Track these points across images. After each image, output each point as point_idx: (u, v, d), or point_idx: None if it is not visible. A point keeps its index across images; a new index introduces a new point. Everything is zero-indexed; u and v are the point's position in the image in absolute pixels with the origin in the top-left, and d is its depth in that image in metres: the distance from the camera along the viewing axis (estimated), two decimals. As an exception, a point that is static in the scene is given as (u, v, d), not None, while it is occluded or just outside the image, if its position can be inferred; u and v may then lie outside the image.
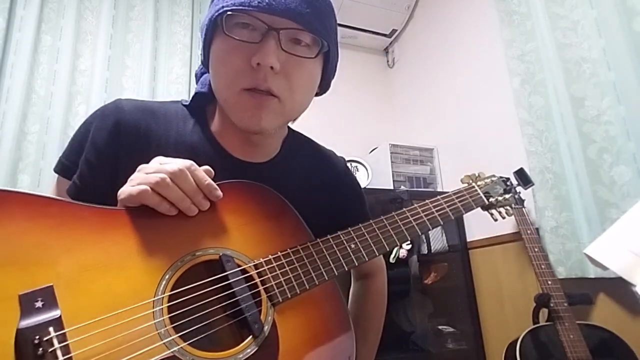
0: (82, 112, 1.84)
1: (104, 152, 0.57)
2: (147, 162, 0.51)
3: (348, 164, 0.80)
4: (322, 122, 1.95)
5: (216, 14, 0.54)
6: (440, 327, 1.79)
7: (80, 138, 0.60)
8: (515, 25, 1.55)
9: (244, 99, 0.55)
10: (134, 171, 0.51)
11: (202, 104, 0.66)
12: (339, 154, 0.80)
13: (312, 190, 0.69)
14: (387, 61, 2.69)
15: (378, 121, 2.51)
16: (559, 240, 1.34)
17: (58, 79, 1.84)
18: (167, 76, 2.03)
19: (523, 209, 1.25)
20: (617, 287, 1.23)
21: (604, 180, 1.22)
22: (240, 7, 0.52)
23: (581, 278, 1.28)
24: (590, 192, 1.25)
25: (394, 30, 2.50)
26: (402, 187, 1.94)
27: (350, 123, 2.38)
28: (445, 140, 2.10)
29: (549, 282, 1.18)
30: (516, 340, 1.13)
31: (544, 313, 1.20)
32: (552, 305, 1.14)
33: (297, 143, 0.72)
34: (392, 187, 1.95)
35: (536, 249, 1.23)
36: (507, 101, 1.65)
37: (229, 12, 0.53)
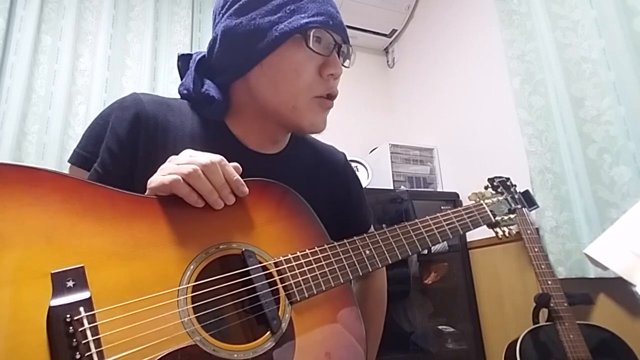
0: (82, 112, 1.84)
1: (125, 142, 0.58)
2: (166, 153, 0.53)
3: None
4: (322, 122, 1.95)
5: (299, 27, 0.58)
6: (440, 327, 1.79)
7: (99, 129, 0.61)
8: (515, 25, 1.55)
9: (314, 106, 0.62)
10: (152, 162, 0.52)
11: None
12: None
13: (314, 181, 0.72)
14: (387, 61, 2.69)
15: (378, 121, 2.51)
16: (559, 240, 1.34)
17: (58, 79, 1.84)
18: (167, 76, 2.03)
19: (523, 209, 1.25)
20: (617, 287, 1.22)
21: (604, 180, 1.22)
22: (324, 25, 0.60)
23: (581, 278, 1.28)
24: (590, 192, 1.25)
25: (394, 30, 2.50)
26: (402, 187, 1.94)
27: (350, 123, 2.38)
28: (445, 140, 2.10)
29: (549, 282, 1.18)
30: (516, 341, 1.13)
31: (544, 313, 1.20)
32: (552, 305, 1.14)
33: (300, 137, 0.75)
34: (392, 187, 1.95)
35: (536, 249, 1.23)
36: (507, 101, 1.65)
37: (312, 27, 0.59)
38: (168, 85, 2.01)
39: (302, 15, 0.59)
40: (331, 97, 0.63)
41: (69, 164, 0.61)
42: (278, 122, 0.64)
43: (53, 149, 1.74)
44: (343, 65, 0.64)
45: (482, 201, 0.79)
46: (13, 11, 1.82)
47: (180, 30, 2.12)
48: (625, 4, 1.19)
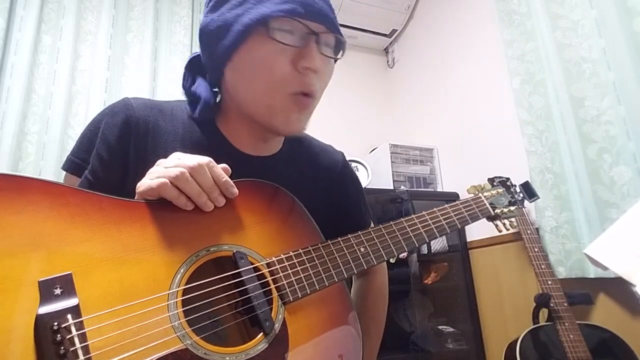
0: (82, 112, 1.84)
1: (114, 148, 0.58)
2: (156, 157, 0.52)
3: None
4: (322, 122, 1.95)
5: (259, 18, 0.53)
6: (440, 327, 1.79)
7: (90, 136, 0.60)
8: (515, 25, 1.55)
9: (290, 103, 0.57)
10: (143, 167, 0.51)
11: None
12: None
13: (311, 183, 0.70)
14: (387, 61, 2.69)
15: (378, 121, 2.51)
16: (559, 240, 1.34)
17: (58, 79, 1.84)
18: (167, 76, 2.03)
19: (523, 208, 1.25)
20: (617, 287, 1.22)
21: (604, 180, 1.22)
22: (291, 13, 0.54)
23: (581, 278, 1.28)
24: (590, 192, 1.25)
25: (394, 30, 2.50)
26: (402, 187, 1.94)
27: (350, 123, 2.38)
28: (445, 140, 2.10)
29: (549, 282, 1.18)
30: (516, 340, 1.13)
31: (544, 313, 1.20)
32: (552, 305, 1.14)
33: (297, 137, 0.73)
34: (392, 187, 1.95)
35: (536, 249, 1.23)
36: (507, 101, 1.65)
37: (274, 17, 0.53)
38: (168, 85, 2.01)
39: (266, 5, 0.54)
40: (307, 95, 0.57)
41: (63, 172, 0.61)
42: (257, 122, 0.60)
43: (53, 149, 1.74)
44: (331, 56, 0.59)
45: (480, 194, 0.77)
46: (13, 11, 1.82)
47: (180, 30, 2.13)
48: (625, 4, 1.19)
